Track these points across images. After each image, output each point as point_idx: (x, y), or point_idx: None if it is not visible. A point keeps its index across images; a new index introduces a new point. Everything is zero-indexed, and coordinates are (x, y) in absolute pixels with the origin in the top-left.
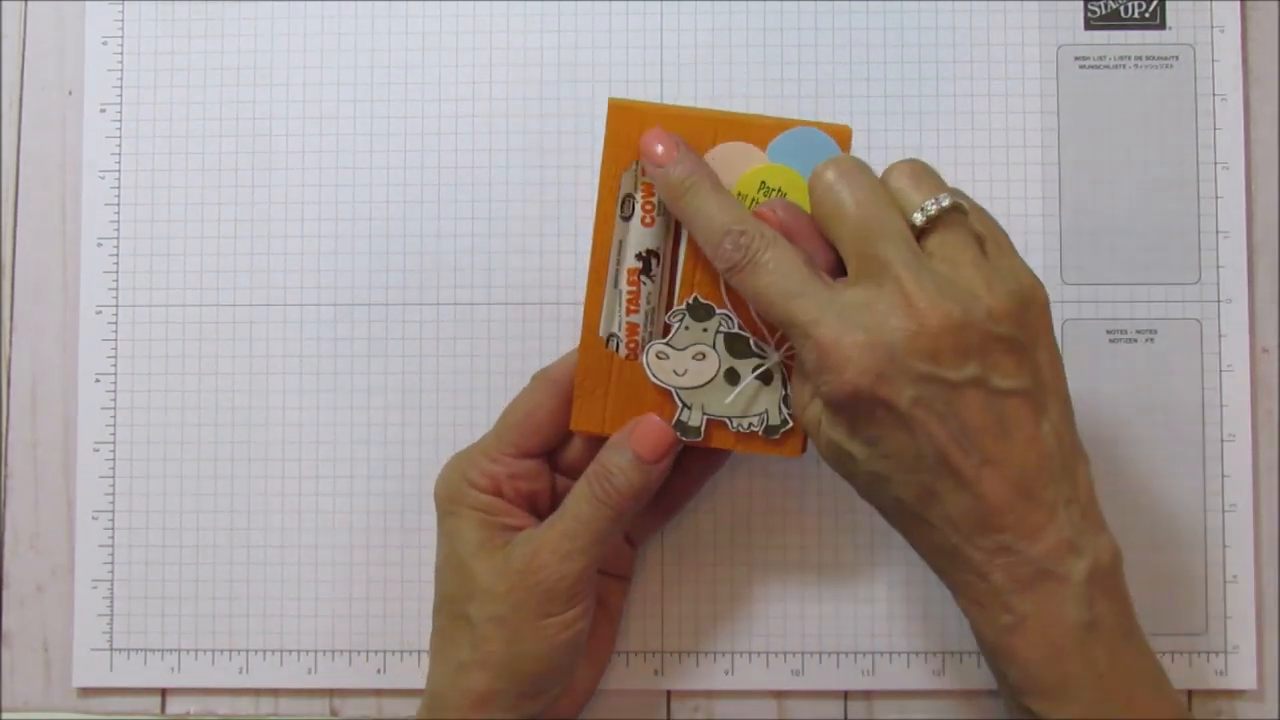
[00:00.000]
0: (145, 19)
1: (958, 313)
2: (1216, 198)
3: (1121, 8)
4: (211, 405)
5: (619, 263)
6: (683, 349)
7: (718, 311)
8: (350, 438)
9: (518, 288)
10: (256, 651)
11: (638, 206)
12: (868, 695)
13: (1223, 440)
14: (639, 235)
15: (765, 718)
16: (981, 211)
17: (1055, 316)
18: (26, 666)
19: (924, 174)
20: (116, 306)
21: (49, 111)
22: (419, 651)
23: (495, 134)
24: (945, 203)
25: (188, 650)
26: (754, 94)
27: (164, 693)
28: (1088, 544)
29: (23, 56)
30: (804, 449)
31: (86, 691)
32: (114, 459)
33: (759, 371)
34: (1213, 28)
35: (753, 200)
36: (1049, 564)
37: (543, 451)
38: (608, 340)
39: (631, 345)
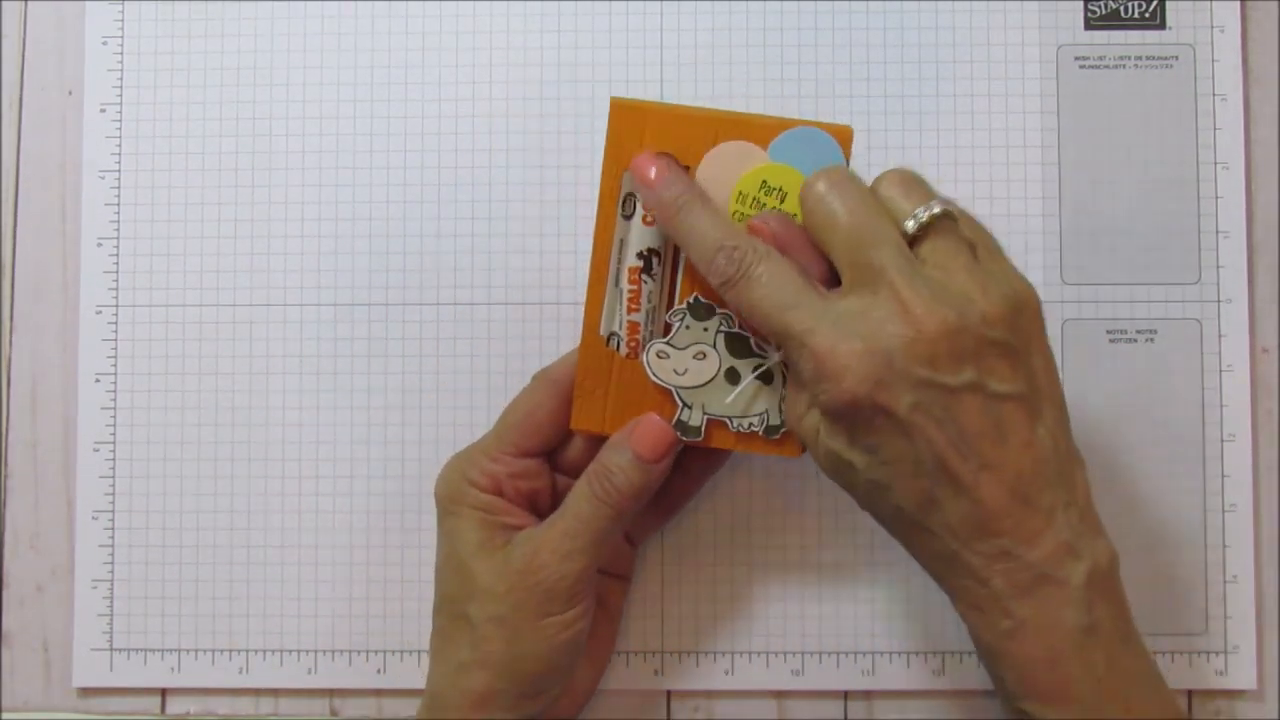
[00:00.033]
0: (145, 19)
1: (953, 318)
2: (1216, 198)
3: (1121, 8)
4: (211, 405)
5: (620, 261)
6: (683, 348)
7: (718, 311)
8: (350, 438)
9: (518, 288)
10: (256, 651)
11: (639, 205)
12: (868, 695)
13: (1223, 440)
14: (640, 234)
15: (765, 718)
16: (970, 218)
17: (1055, 316)
18: (26, 666)
19: (913, 182)
20: (116, 306)
21: (49, 111)
22: (419, 651)
23: (495, 134)
24: (936, 210)
25: (188, 650)
26: (754, 94)
27: (164, 693)
28: (1086, 548)
29: (23, 56)
30: (804, 449)
31: (86, 691)
32: (114, 459)
33: (759, 371)
34: (1213, 28)
35: (754, 199)
36: (1048, 568)
37: (543, 451)
38: (608, 339)
39: (632, 344)
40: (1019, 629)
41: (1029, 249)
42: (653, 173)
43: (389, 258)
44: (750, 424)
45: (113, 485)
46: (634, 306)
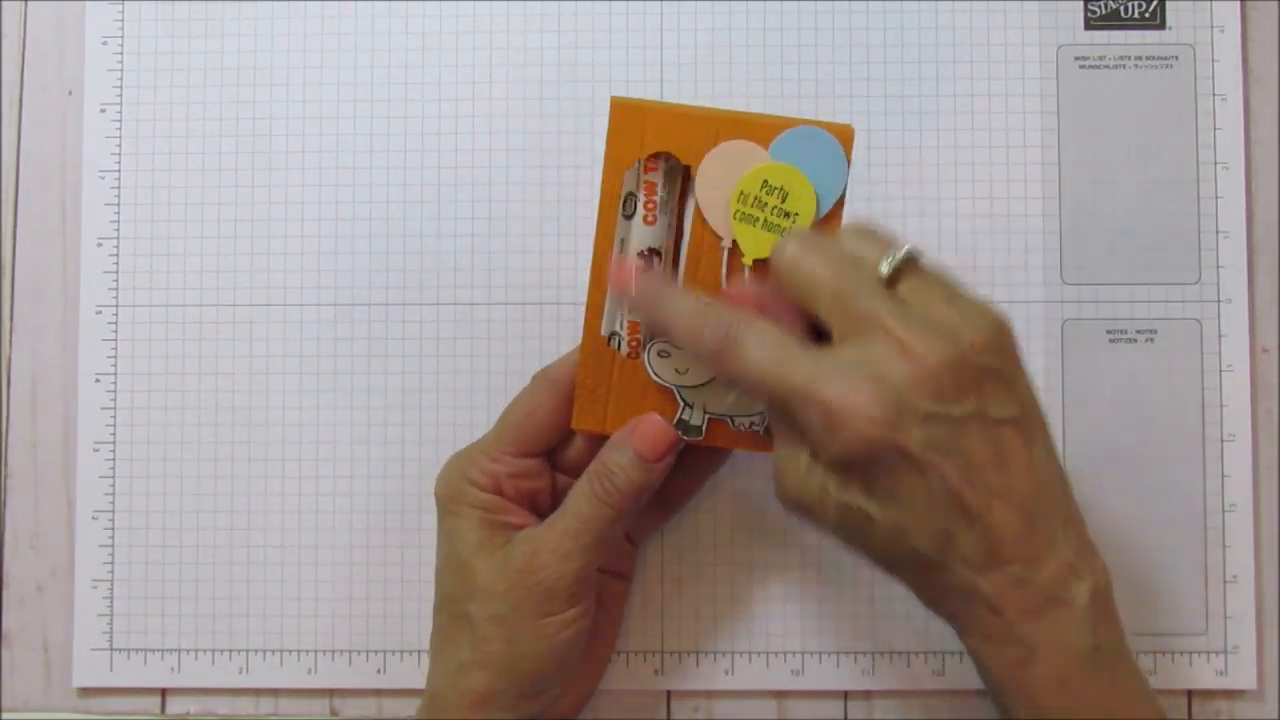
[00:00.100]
0: (145, 19)
1: (950, 350)
2: (1216, 198)
3: (1121, 8)
4: (211, 405)
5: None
6: (683, 348)
7: None
8: (350, 438)
9: (518, 288)
10: (256, 651)
11: (640, 205)
12: (868, 695)
13: (1223, 440)
14: (641, 233)
15: (765, 718)
16: (929, 256)
17: (1055, 316)
18: (26, 666)
19: (872, 231)
20: (116, 306)
21: (49, 111)
22: (419, 651)
23: (495, 134)
24: (905, 251)
25: (188, 650)
26: (754, 94)
27: (164, 693)
28: (1085, 567)
29: (23, 56)
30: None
31: (86, 691)
32: (114, 459)
33: None
34: (1213, 28)
35: (755, 199)
36: (1055, 590)
37: (543, 450)
38: (609, 339)
39: (633, 344)
40: (1031, 656)
41: (1029, 249)
42: (621, 279)
43: (389, 258)
44: (751, 423)
45: (113, 485)
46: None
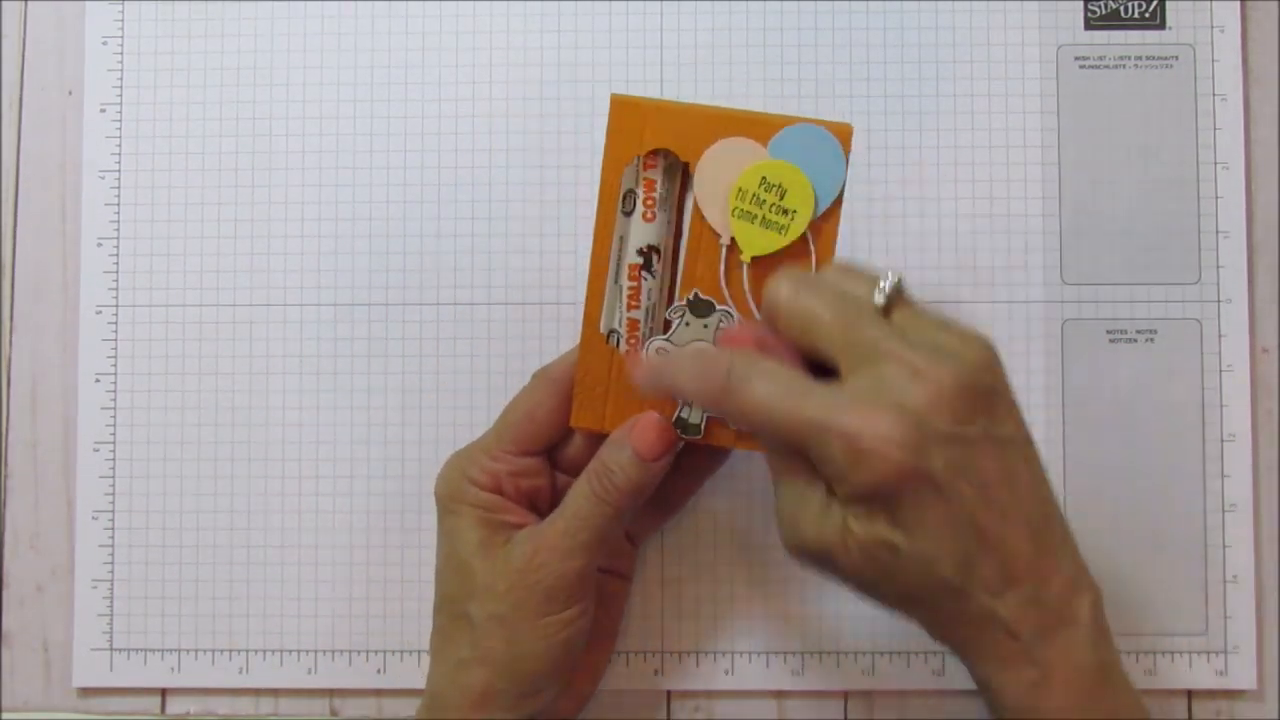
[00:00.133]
0: (145, 19)
1: (961, 371)
2: (1216, 198)
3: (1121, 8)
4: (211, 405)
5: (620, 259)
6: (683, 345)
7: (718, 308)
8: (350, 438)
9: (518, 288)
10: (256, 651)
11: (639, 202)
12: (868, 695)
13: (1223, 440)
14: (640, 231)
15: (765, 718)
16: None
17: (1055, 316)
18: (26, 666)
19: (855, 267)
20: (116, 306)
21: (49, 111)
22: (419, 651)
23: (495, 134)
24: (895, 281)
25: (188, 650)
26: (754, 94)
27: (164, 693)
28: (1084, 582)
29: (23, 56)
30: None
31: (86, 691)
32: (114, 459)
33: None
34: (1213, 28)
35: (754, 195)
36: (1063, 608)
37: (543, 449)
38: (608, 336)
39: (632, 342)
40: (1045, 678)
41: (1029, 249)
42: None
43: (389, 258)
44: None
45: (113, 485)
46: (634, 304)
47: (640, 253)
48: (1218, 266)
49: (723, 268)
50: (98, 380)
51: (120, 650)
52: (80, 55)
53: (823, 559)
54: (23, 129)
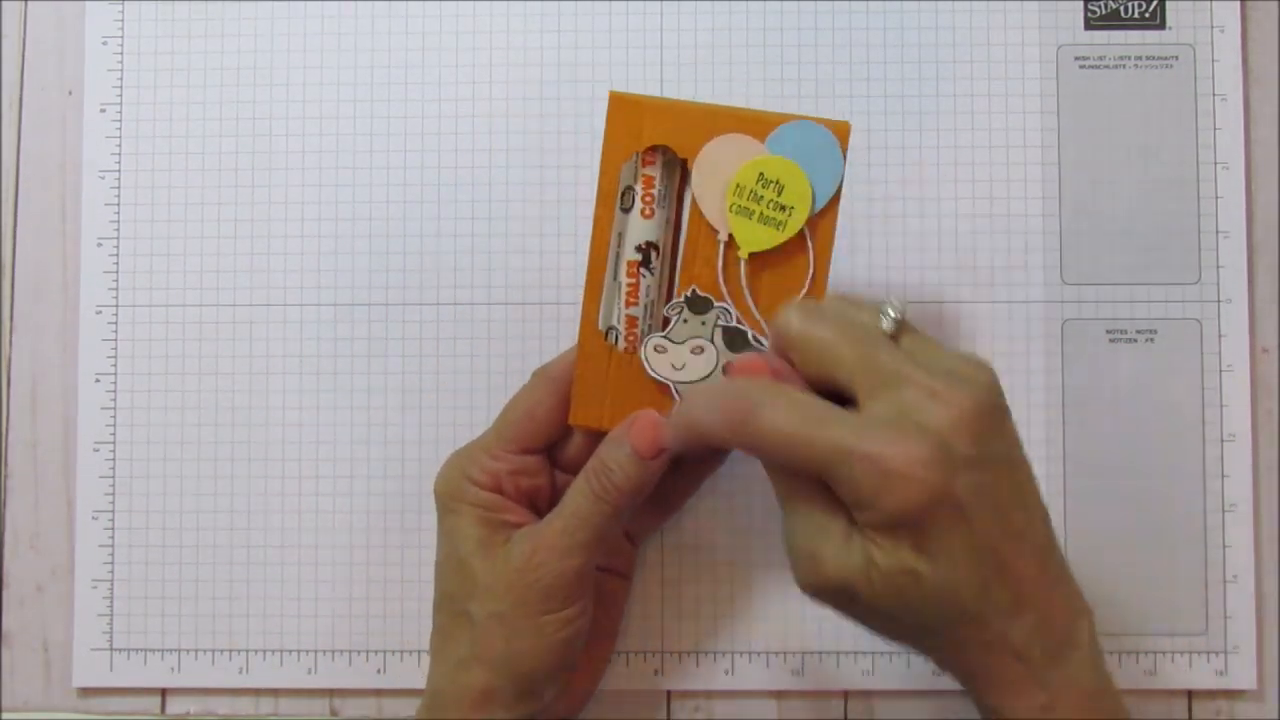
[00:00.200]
0: (145, 19)
1: (978, 393)
2: (1216, 198)
3: (1121, 8)
4: (211, 405)
5: (618, 255)
6: (681, 342)
7: (716, 304)
8: (350, 438)
9: (518, 288)
10: (256, 651)
11: (637, 198)
12: (868, 695)
13: (1223, 440)
14: (638, 227)
15: (765, 718)
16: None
17: (1055, 316)
18: (26, 666)
19: (852, 297)
20: (116, 306)
21: (49, 111)
22: (419, 651)
23: (495, 134)
24: (901, 307)
25: (188, 650)
26: (754, 94)
27: (164, 693)
28: (1081, 602)
29: (23, 56)
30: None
31: (86, 691)
32: (114, 459)
33: None
34: (1213, 28)
35: (751, 192)
36: (1067, 630)
37: (543, 448)
38: (606, 333)
39: (630, 339)
40: (1054, 703)
41: (1029, 249)
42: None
43: (389, 258)
44: None
45: (113, 485)
46: (632, 301)
47: (639, 249)
48: (1218, 266)
49: (720, 264)
50: (98, 380)
51: (120, 650)
52: (80, 55)
53: (844, 594)
54: (23, 129)
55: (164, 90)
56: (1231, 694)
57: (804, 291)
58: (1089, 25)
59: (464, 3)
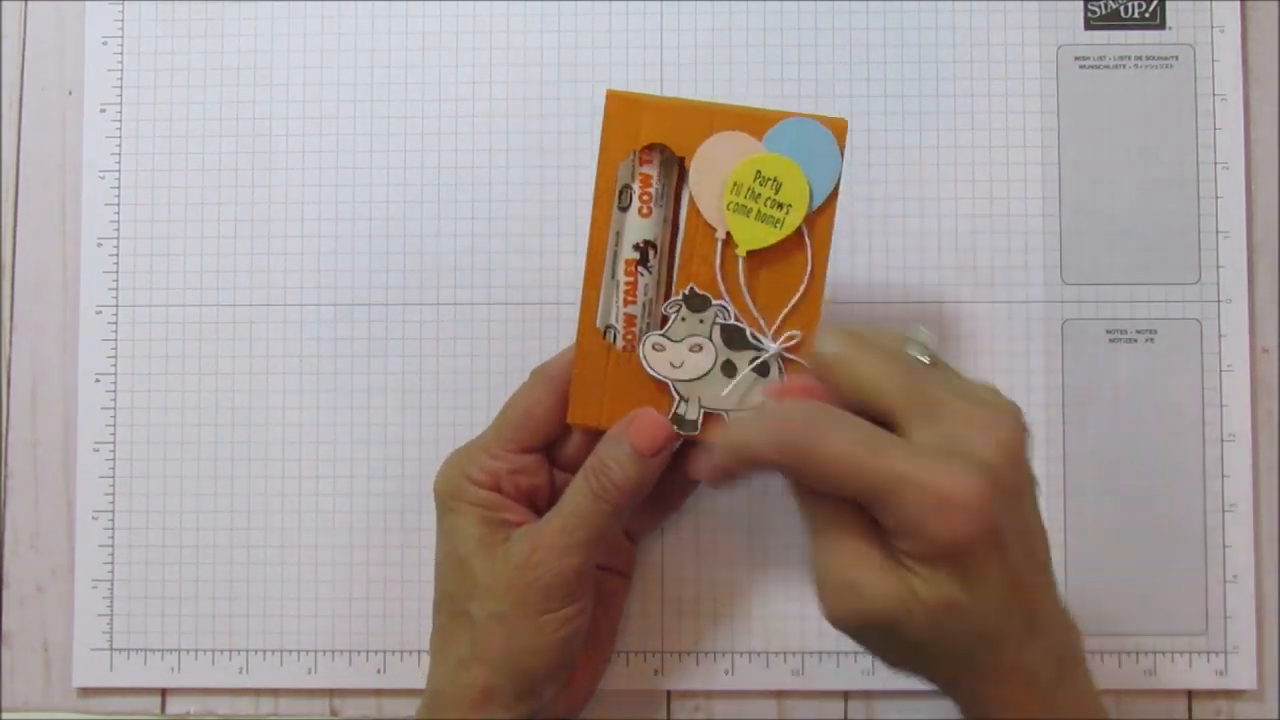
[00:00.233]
0: (145, 19)
1: (1015, 423)
2: (1216, 198)
3: (1121, 8)
4: (211, 405)
5: (616, 254)
6: (679, 340)
7: (714, 302)
8: (350, 438)
9: (518, 288)
10: (256, 651)
11: (635, 197)
12: (868, 695)
13: (1223, 440)
14: (636, 226)
15: (765, 718)
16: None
17: (1055, 316)
18: (26, 666)
19: (870, 329)
20: (116, 306)
21: (49, 111)
22: (419, 651)
23: (495, 134)
24: (926, 335)
25: (188, 650)
26: (754, 94)
27: (164, 693)
28: (1071, 619)
29: (23, 56)
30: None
31: (86, 691)
32: (114, 459)
33: (756, 363)
34: (1213, 28)
35: (749, 189)
36: (1066, 649)
37: (542, 447)
38: (605, 332)
39: (629, 337)
40: None
41: (1029, 249)
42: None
43: (389, 258)
44: None
45: (113, 485)
46: (630, 299)
47: (636, 248)
48: (1218, 266)
49: (718, 262)
50: (98, 380)
51: (120, 650)
52: (80, 55)
53: (882, 626)
54: (23, 129)
55: (164, 90)
56: (1231, 694)
57: (802, 288)
58: (1089, 25)
59: (464, 2)
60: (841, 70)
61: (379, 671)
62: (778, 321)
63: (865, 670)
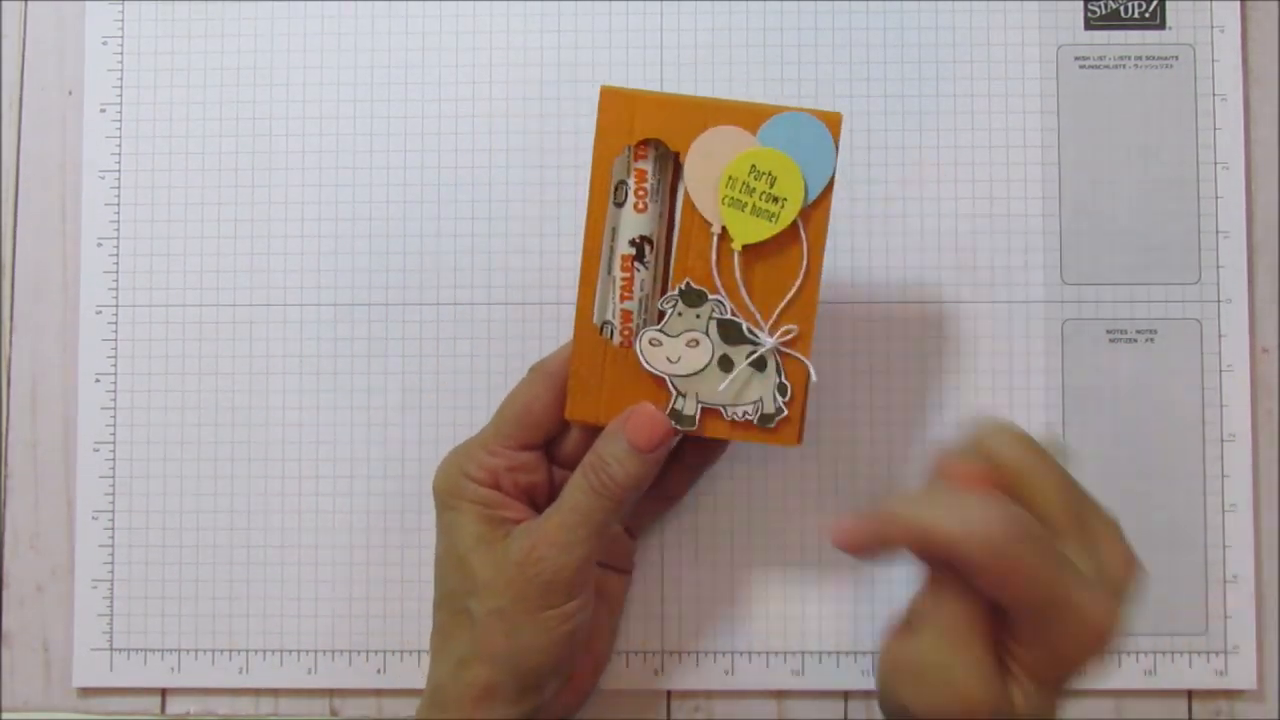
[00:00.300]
0: (145, 19)
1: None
2: (1216, 198)
3: (1121, 8)
4: (211, 405)
5: (612, 250)
6: (676, 335)
7: (710, 297)
8: (350, 438)
9: (518, 288)
10: (256, 651)
11: (630, 193)
12: (868, 695)
13: (1223, 440)
14: (631, 221)
15: (765, 718)
16: None
17: (1055, 316)
18: (26, 666)
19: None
20: (116, 306)
21: (49, 111)
22: (419, 651)
23: (495, 134)
24: (1063, 441)
25: (188, 650)
26: (754, 94)
27: (164, 693)
28: None
29: (23, 56)
30: (800, 438)
31: (86, 691)
32: (114, 459)
33: (752, 358)
34: (1213, 28)
35: (743, 184)
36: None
37: (541, 444)
38: (601, 328)
39: (625, 333)
40: None
41: (1029, 249)
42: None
43: (389, 258)
44: (744, 413)
45: (113, 485)
46: (627, 295)
47: (632, 243)
48: (1218, 266)
49: (714, 257)
50: (98, 380)
51: (120, 650)
52: (80, 55)
53: None
54: (23, 129)
55: (164, 90)
56: (1231, 694)
57: (798, 283)
58: (1089, 25)
59: (464, 2)
60: (841, 70)
61: (379, 671)
62: (774, 316)
63: (865, 670)
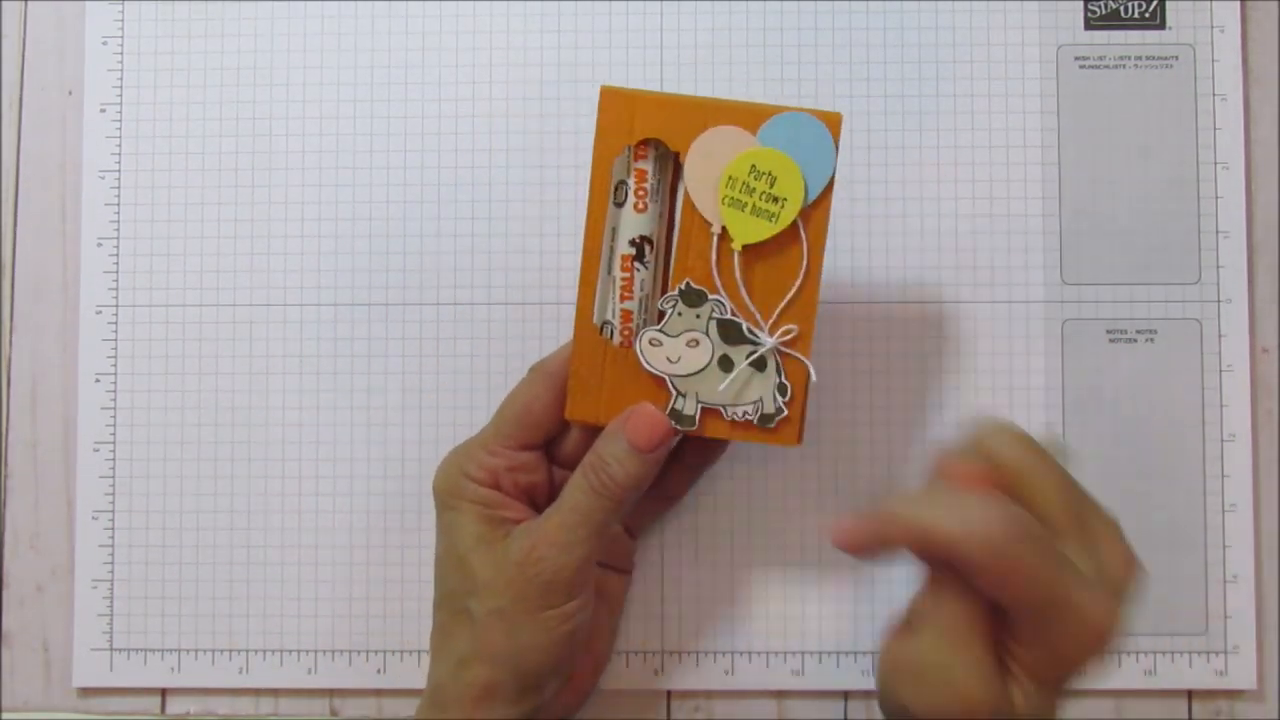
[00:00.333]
0: (145, 19)
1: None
2: (1216, 198)
3: (1121, 8)
4: (211, 405)
5: (612, 250)
6: (676, 336)
7: (710, 297)
8: (350, 438)
9: (518, 288)
10: (256, 651)
11: (630, 192)
12: (868, 695)
13: (1223, 440)
14: (631, 221)
15: (765, 718)
16: None
17: (1055, 316)
18: (26, 666)
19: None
20: (116, 306)
21: (49, 111)
22: (419, 651)
23: (495, 134)
24: (1063, 442)
25: (188, 650)
26: (754, 94)
27: (164, 693)
28: None
29: (23, 56)
30: (800, 438)
31: (86, 691)
32: (114, 459)
33: (752, 358)
34: (1213, 28)
35: (743, 184)
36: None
37: (541, 443)
38: (601, 328)
39: (625, 333)
40: None
41: (1029, 249)
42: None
43: (389, 258)
44: (744, 412)
45: (113, 485)
46: (627, 295)
47: (632, 243)
48: (1218, 266)
49: (714, 257)
50: (98, 380)
51: (120, 650)
52: (80, 55)
53: None
54: (23, 129)
55: (164, 90)
56: (1231, 694)
57: (798, 283)
58: (1089, 25)
59: (464, 2)
60: (841, 70)
61: (379, 671)
62: (774, 316)
63: (865, 670)
